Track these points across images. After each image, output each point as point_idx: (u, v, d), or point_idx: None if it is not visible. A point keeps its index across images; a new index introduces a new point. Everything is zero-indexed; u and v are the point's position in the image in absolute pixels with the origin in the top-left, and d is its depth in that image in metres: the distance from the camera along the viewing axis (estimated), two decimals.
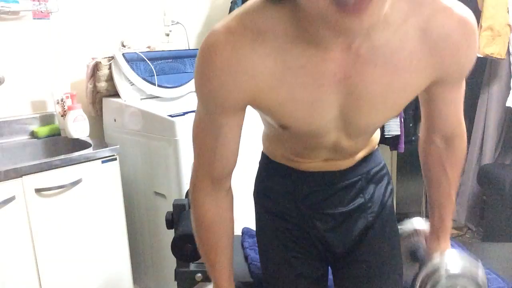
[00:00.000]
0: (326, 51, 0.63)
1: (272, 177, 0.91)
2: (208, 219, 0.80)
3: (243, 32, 0.63)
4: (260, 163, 0.97)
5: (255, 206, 0.97)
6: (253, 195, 0.98)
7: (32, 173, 1.45)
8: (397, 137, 2.18)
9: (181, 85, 2.02)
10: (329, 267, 0.96)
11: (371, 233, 0.89)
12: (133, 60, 1.88)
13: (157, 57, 1.97)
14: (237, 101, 0.68)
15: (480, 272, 0.80)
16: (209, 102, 0.69)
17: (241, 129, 0.74)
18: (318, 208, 0.87)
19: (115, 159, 1.67)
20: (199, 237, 0.82)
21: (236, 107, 0.69)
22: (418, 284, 0.83)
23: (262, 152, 0.96)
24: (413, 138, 2.21)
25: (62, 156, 1.53)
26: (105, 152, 1.63)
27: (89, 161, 1.59)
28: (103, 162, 1.63)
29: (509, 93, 2.29)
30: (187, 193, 1.55)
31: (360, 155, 0.88)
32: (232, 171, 0.79)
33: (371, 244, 0.90)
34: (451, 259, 0.82)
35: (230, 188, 0.82)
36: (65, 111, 1.83)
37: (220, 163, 0.76)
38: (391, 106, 0.71)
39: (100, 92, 1.91)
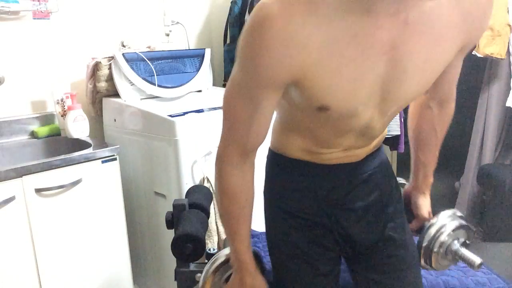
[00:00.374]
0: (377, 19, 0.63)
1: (288, 175, 0.89)
2: (234, 190, 0.81)
3: (296, 3, 0.62)
4: (270, 161, 0.93)
5: (267, 207, 0.95)
6: (264, 195, 0.95)
7: (32, 173, 1.45)
8: (397, 137, 2.19)
9: (181, 85, 2.02)
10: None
11: (392, 225, 0.91)
12: (133, 60, 1.88)
13: (157, 57, 1.97)
14: (284, 76, 0.66)
15: (463, 220, 0.95)
16: (255, 76, 0.68)
17: (276, 104, 0.74)
18: (340, 203, 0.87)
19: (115, 159, 1.67)
20: (222, 207, 0.84)
21: (281, 82, 0.68)
22: (425, 244, 0.92)
23: (271, 151, 0.93)
24: None
25: (62, 156, 1.53)
26: (105, 152, 1.63)
27: (89, 161, 1.59)
28: (103, 162, 1.63)
29: (509, 93, 2.29)
30: (187, 193, 1.55)
31: (375, 143, 0.88)
32: (261, 144, 0.79)
33: (396, 237, 0.91)
34: (446, 219, 0.94)
35: (254, 160, 0.83)
36: (65, 111, 1.84)
37: (253, 136, 0.76)
38: (428, 77, 0.73)
39: (100, 92, 1.92)
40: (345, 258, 0.95)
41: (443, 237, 0.91)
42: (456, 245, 0.92)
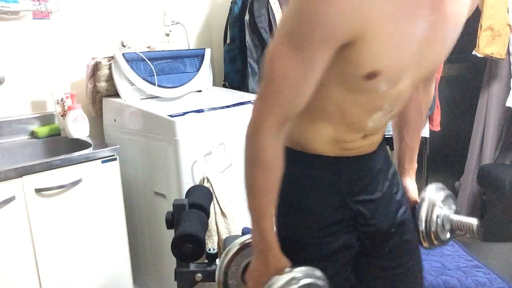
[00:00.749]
0: None
1: (310, 172, 0.85)
2: (270, 162, 0.76)
3: None
4: (287, 160, 0.86)
5: (283, 209, 0.88)
6: (282, 198, 0.87)
7: (32, 173, 1.45)
8: None
9: (181, 85, 2.02)
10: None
11: (402, 210, 0.92)
12: (133, 60, 1.88)
13: (157, 57, 1.97)
14: (346, 31, 0.64)
15: (447, 190, 0.99)
16: (315, 29, 0.64)
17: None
18: (361, 195, 0.86)
19: (115, 159, 1.67)
20: (255, 181, 0.78)
21: (339, 39, 0.65)
22: (424, 220, 0.94)
23: (288, 148, 0.86)
24: None
25: (62, 156, 1.53)
26: (105, 152, 1.63)
27: (89, 161, 1.59)
28: (103, 162, 1.63)
29: (509, 93, 2.29)
30: (187, 193, 1.56)
31: (383, 131, 0.90)
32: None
33: (406, 221, 0.92)
34: (432, 194, 0.96)
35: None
36: (65, 111, 1.84)
37: (299, 101, 0.72)
38: (452, 43, 0.75)
39: (100, 92, 1.92)
40: (358, 253, 0.93)
41: (437, 211, 0.93)
42: (450, 213, 0.94)
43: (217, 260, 1.31)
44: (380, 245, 0.91)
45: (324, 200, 0.86)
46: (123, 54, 1.86)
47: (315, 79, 0.70)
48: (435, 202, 0.94)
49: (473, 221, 0.92)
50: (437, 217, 0.93)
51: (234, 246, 0.92)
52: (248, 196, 0.80)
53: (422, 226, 0.94)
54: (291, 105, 0.72)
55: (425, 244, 0.95)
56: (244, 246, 0.90)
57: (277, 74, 0.69)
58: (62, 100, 1.85)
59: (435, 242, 0.95)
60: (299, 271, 0.80)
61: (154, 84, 1.92)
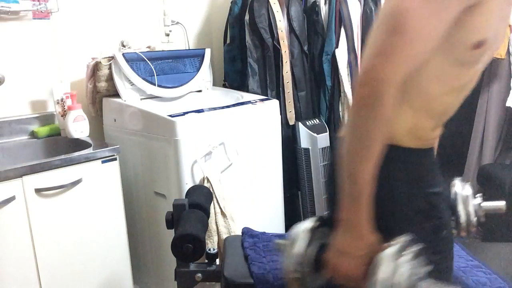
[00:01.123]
0: None
1: (392, 162, 0.82)
2: (387, 118, 0.71)
3: None
4: (391, 157, 0.81)
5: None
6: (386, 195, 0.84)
7: (32, 173, 1.45)
8: None
9: (181, 85, 2.02)
10: None
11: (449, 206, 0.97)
12: (133, 60, 1.88)
13: (157, 57, 1.97)
14: None
15: (469, 182, 1.08)
16: None
17: None
18: (432, 188, 0.86)
19: (115, 159, 1.67)
20: (372, 141, 0.73)
21: None
22: (464, 214, 1.01)
23: (393, 146, 0.83)
24: None
25: (62, 156, 1.53)
26: (105, 152, 1.63)
27: (89, 161, 1.59)
28: (103, 162, 1.63)
29: (509, 93, 2.29)
30: (187, 193, 1.56)
31: (441, 126, 0.93)
32: None
33: (449, 218, 0.96)
34: (461, 186, 1.05)
35: None
36: (65, 111, 1.84)
37: (422, 57, 0.72)
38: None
39: (100, 92, 1.92)
40: None
41: (471, 202, 1.01)
42: (481, 202, 1.03)
43: (217, 260, 1.31)
44: (435, 240, 0.90)
45: (404, 191, 0.84)
46: (123, 54, 1.86)
47: (440, 37, 0.71)
48: (467, 195, 1.02)
49: (501, 203, 1.04)
50: (473, 207, 1.01)
51: (302, 234, 0.85)
52: (355, 159, 0.75)
53: (463, 219, 1.01)
54: (416, 61, 0.72)
55: (463, 233, 1.02)
56: (312, 232, 0.85)
57: (411, 26, 0.68)
58: (62, 100, 1.85)
59: (473, 229, 1.02)
60: (398, 242, 0.76)
61: (154, 84, 1.92)
